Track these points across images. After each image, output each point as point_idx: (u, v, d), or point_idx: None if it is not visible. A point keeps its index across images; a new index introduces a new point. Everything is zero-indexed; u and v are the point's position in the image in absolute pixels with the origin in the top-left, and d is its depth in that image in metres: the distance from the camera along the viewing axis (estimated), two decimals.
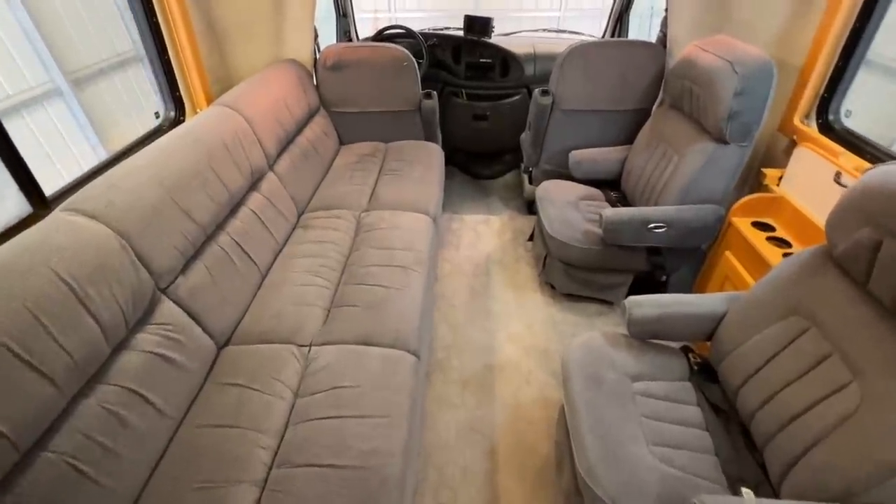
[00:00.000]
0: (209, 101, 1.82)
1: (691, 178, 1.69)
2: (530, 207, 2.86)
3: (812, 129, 1.67)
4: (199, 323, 1.19)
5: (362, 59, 2.21)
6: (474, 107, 3.10)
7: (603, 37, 3.22)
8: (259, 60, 2.12)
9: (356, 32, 3.27)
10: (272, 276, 1.50)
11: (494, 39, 3.00)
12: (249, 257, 1.43)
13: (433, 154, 2.34)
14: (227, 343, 1.28)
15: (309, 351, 1.24)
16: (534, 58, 3.00)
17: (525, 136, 2.49)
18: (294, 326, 1.30)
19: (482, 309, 2.11)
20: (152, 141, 1.32)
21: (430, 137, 2.48)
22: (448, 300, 2.15)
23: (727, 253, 1.69)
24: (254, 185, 1.59)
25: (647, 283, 2.06)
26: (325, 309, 1.38)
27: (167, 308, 1.10)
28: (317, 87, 2.35)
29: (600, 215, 1.78)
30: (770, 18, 1.78)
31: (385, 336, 1.26)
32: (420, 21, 7.93)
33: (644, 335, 1.30)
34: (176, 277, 1.16)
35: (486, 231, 2.67)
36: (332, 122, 2.37)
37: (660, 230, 1.73)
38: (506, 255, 2.47)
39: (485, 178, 3.31)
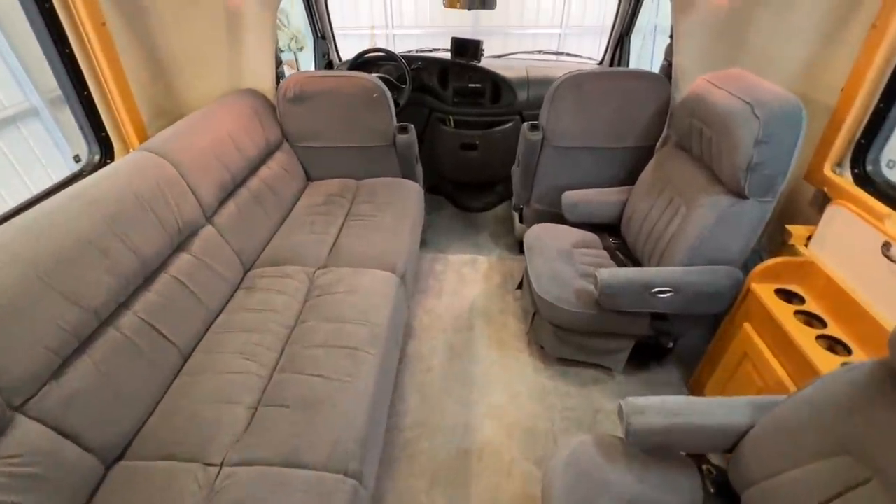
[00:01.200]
0: (144, 138, 1.59)
1: (702, 234, 1.43)
2: (522, 246, 2.61)
3: (846, 180, 1.41)
4: (76, 440, 0.93)
5: (328, 90, 1.96)
6: (462, 135, 2.87)
7: (602, 61, 2.99)
8: (214, 90, 1.89)
9: (337, 54, 3.06)
10: (196, 359, 1.24)
11: (485, 62, 2.78)
12: (165, 338, 1.18)
13: (410, 195, 2.09)
14: (121, 456, 1.02)
15: (218, 474, 0.97)
16: (527, 82, 2.77)
17: (515, 171, 2.25)
18: (206, 436, 1.04)
19: (461, 374, 1.84)
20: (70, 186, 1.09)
21: (407, 174, 2.23)
22: (424, 361, 1.89)
23: (747, 326, 1.42)
24: (182, 244, 1.35)
25: (651, 348, 1.79)
26: (250, 408, 1.12)
27: (21, 432, 0.84)
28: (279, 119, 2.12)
29: (594, 276, 1.52)
30: (794, 48, 1.53)
31: (317, 453, 0.99)
32: (416, 39, 7.80)
33: (647, 447, 1.03)
34: (42, 387, 0.90)
35: (471, 274, 2.41)
36: (298, 158, 2.12)
37: (665, 295, 1.46)
38: (492, 304, 2.20)
39: (474, 211, 3.06)
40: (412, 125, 2.12)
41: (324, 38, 2.81)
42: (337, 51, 3.02)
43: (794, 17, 1.50)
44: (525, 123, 2.01)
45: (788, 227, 1.47)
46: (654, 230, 1.66)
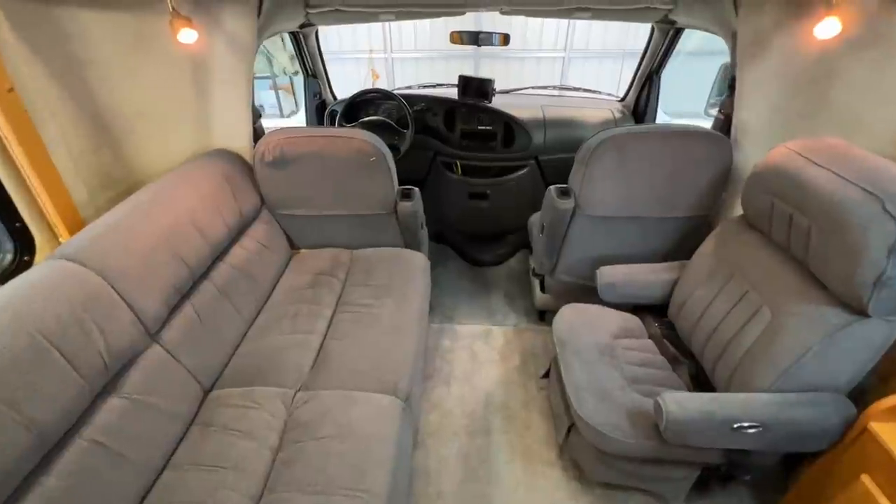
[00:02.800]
0: (76, 223, 1.25)
1: (800, 357, 1.08)
2: (542, 314, 2.26)
3: None
4: None
5: (315, 152, 1.62)
6: (471, 183, 2.54)
7: (624, 98, 2.69)
8: (176, 152, 1.57)
9: (332, 93, 2.75)
10: None
11: (496, 101, 2.47)
12: None
13: (414, 272, 1.74)
14: None
15: None
16: (543, 124, 2.46)
17: (537, 238, 1.91)
18: None
19: (477, 498, 1.48)
20: None
21: (411, 244, 1.89)
22: (432, 482, 1.52)
23: (865, 479, 1.07)
24: (109, 385, 1.00)
25: (718, 474, 1.43)
26: None
27: None
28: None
29: (657, 403, 1.17)
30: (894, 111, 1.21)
31: None
32: (416, 63, 7.55)
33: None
34: None
35: (485, 352, 2.05)
36: (280, 226, 1.78)
37: (751, 430, 1.12)
38: (512, 395, 1.85)
39: (485, 265, 2.72)
40: (417, 190, 1.77)
41: (314, 76, 2.50)
42: (331, 89, 2.71)
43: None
44: (552, 188, 1.68)
45: None
46: (721, 329, 1.32)
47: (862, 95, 1.27)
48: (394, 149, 2.37)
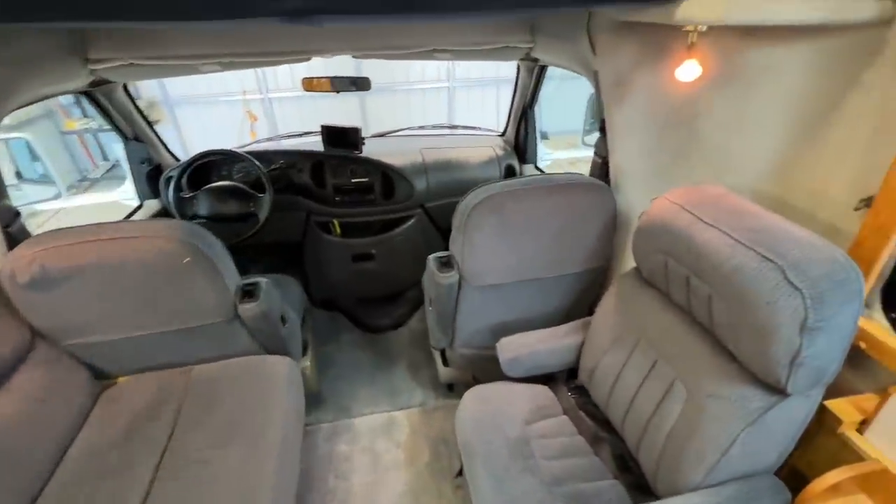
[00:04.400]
0: None
1: (727, 447, 0.92)
2: (451, 385, 1.99)
3: (883, 328, 1.02)
4: None
5: (97, 263, 1.14)
6: (353, 245, 2.23)
7: (504, 132, 2.59)
8: None
9: (169, 154, 2.27)
10: None
11: (370, 148, 2.21)
12: None
13: (275, 386, 1.32)
14: None
15: None
16: (424, 169, 2.25)
17: (428, 312, 1.64)
18: None
19: None
20: None
21: (271, 348, 1.47)
22: None
23: None
24: None
25: None
26: None
27: None
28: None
29: None
30: (760, 142, 1.15)
31: None
32: (297, 102, 7.10)
33: None
34: None
35: (390, 451, 1.72)
36: (77, 358, 1.29)
37: None
38: (424, 502, 1.53)
39: (383, 331, 2.40)
40: (266, 284, 1.35)
41: (137, 139, 2.02)
42: (167, 148, 2.24)
43: (757, 106, 1.13)
44: (431, 260, 1.43)
45: (830, 405, 1.03)
46: (638, 405, 1.15)
47: (728, 132, 1.21)
48: (251, 217, 1.99)
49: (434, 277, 1.38)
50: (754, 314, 0.84)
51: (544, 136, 7.16)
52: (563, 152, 5.69)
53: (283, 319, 1.46)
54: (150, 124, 2.07)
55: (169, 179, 2.00)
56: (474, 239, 1.32)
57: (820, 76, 1.01)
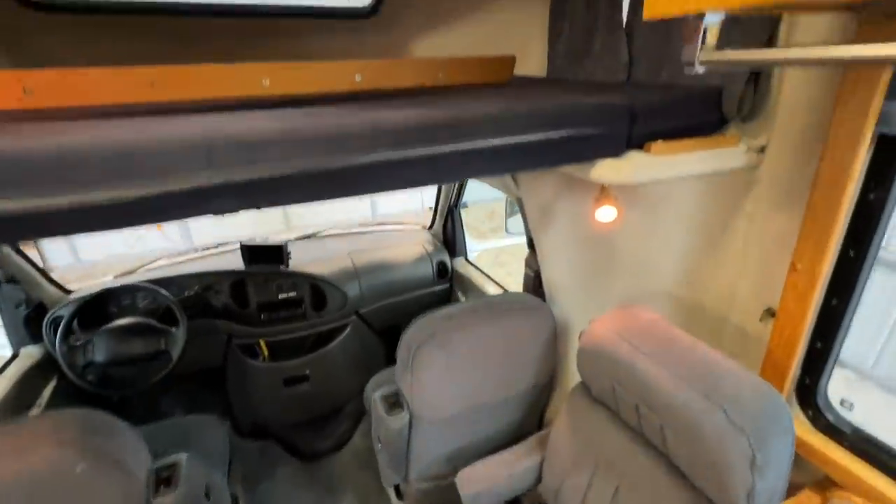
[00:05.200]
0: None
1: None
2: None
3: (804, 426, 1.12)
4: None
5: None
6: (283, 369, 2.05)
7: (432, 226, 2.65)
8: None
9: (53, 283, 1.97)
10: None
11: (295, 257, 2.10)
12: None
13: None
14: None
15: None
16: (355, 274, 2.19)
17: (377, 450, 1.51)
18: None
19: None
20: None
21: None
22: None
23: None
24: None
25: None
26: None
27: None
28: None
29: None
30: (669, 252, 1.28)
31: None
32: None
33: None
34: None
35: None
36: None
37: None
38: None
39: (323, 455, 2.17)
40: (186, 463, 1.10)
41: (13, 280, 1.73)
42: (51, 280, 1.94)
43: (663, 224, 1.26)
44: (377, 400, 1.34)
45: None
46: None
47: (642, 245, 1.32)
48: (163, 356, 1.76)
49: (384, 421, 1.29)
50: (707, 450, 0.86)
51: (463, 205, 7.50)
52: (491, 242, 6.06)
53: (208, 494, 1.24)
54: (26, 258, 1.79)
55: (56, 322, 1.72)
56: (423, 378, 1.26)
57: (710, 202, 1.16)
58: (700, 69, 0.61)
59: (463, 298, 2.28)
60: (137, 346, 1.71)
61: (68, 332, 1.68)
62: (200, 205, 0.65)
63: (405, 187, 0.76)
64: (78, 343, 1.66)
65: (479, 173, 0.82)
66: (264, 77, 1.28)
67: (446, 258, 2.41)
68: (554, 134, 0.83)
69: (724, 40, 0.64)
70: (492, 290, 2.08)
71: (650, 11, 0.62)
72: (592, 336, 1.14)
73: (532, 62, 1.77)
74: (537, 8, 1.74)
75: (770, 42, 0.85)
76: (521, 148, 0.81)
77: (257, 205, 0.68)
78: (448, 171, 0.77)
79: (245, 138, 0.64)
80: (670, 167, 0.95)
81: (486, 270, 2.31)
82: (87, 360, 1.66)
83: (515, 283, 1.99)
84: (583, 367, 1.20)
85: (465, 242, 2.51)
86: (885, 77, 0.74)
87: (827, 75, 0.83)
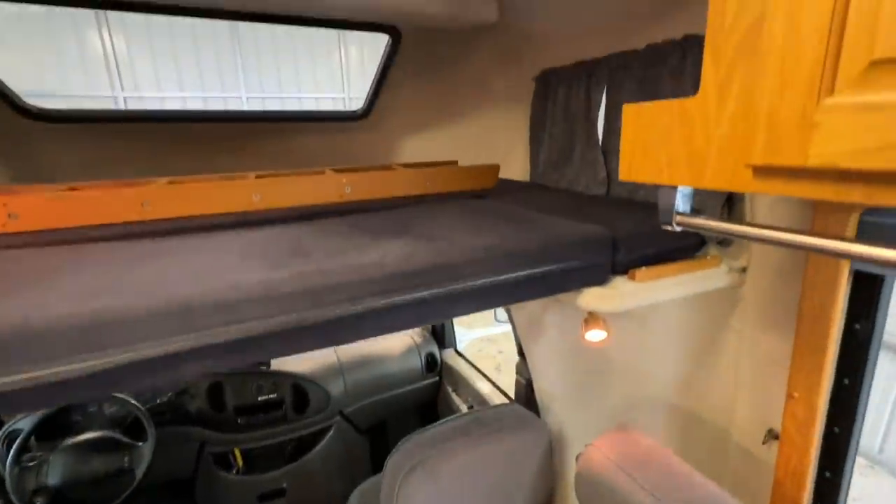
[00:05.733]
0: None
1: None
2: None
3: None
4: None
5: None
6: (259, 483, 1.89)
7: None
8: None
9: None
10: None
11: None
12: None
13: None
14: None
15: None
16: (340, 370, 2.10)
17: None
18: None
19: None
20: None
21: None
22: None
23: None
24: None
25: None
26: None
27: None
28: None
29: None
30: (679, 365, 1.25)
31: None
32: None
33: None
34: None
35: None
36: None
37: None
38: None
39: None
40: None
41: None
42: None
43: (655, 335, 1.25)
44: None
45: None
46: None
47: (635, 355, 1.29)
48: (125, 475, 1.61)
49: None
50: None
51: None
52: (479, 331, 6.06)
53: None
54: None
55: (12, 436, 1.58)
56: None
57: (697, 317, 1.15)
58: (677, 228, 0.63)
59: (453, 394, 2.18)
60: (98, 465, 1.57)
61: (23, 449, 1.54)
62: (177, 368, 0.61)
63: (391, 332, 0.74)
64: (31, 463, 1.52)
65: (465, 312, 0.81)
66: (255, 193, 1.31)
67: (435, 350, 2.35)
68: (539, 270, 0.83)
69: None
70: (483, 386, 2.01)
71: (626, 175, 0.65)
72: (589, 463, 1.07)
73: (516, 166, 1.86)
74: (519, 115, 1.86)
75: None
76: (507, 285, 0.81)
77: (236, 363, 0.65)
78: (433, 314, 0.76)
79: (224, 299, 0.62)
80: (655, 292, 0.95)
81: (475, 352, 2.25)
82: (38, 483, 1.51)
83: (507, 363, 1.92)
84: (580, 495, 1.11)
85: (454, 333, 2.46)
86: (854, 220, 0.77)
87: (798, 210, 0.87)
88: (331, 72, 9.21)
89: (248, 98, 8.61)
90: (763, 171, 0.46)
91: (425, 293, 0.73)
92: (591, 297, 0.90)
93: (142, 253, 0.83)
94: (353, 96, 9.39)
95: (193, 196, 1.21)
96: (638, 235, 0.94)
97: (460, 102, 2.12)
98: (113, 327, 0.57)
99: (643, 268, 0.92)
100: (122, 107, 7.65)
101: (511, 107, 1.93)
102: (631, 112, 0.61)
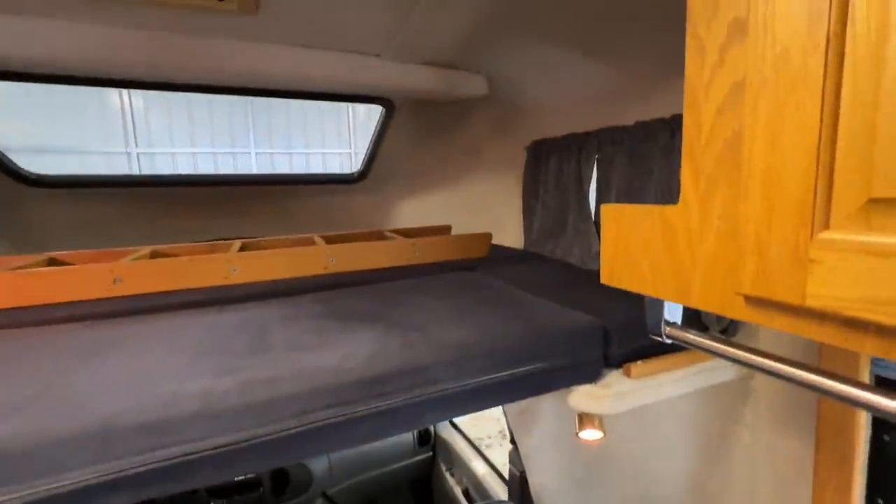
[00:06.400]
0: None
1: None
2: None
3: None
4: None
5: None
6: None
7: None
8: None
9: None
10: None
11: None
12: None
13: None
14: None
15: None
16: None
17: None
18: None
19: None
20: None
21: None
22: None
23: None
24: None
25: None
26: None
27: None
28: None
29: None
30: (692, 463, 1.13)
31: None
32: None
33: None
34: None
35: None
36: None
37: None
38: None
39: None
40: None
41: None
42: None
43: (664, 431, 1.14)
44: None
45: None
46: None
47: (639, 446, 1.18)
48: None
49: None
50: None
51: None
52: None
53: None
54: None
55: None
56: None
57: (705, 410, 1.05)
58: (667, 341, 0.56)
59: (446, 473, 2.02)
60: None
61: None
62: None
63: (345, 448, 0.66)
64: None
65: (435, 420, 0.73)
66: (234, 266, 1.26)
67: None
68: (522, 370, 0.75)
69: None
70: (479, 467, 1.86)
71: (607, 279, 0.59)
72: None
73: (510, 232, 1.82)
74: (511, 182, 1.85)
75: None
76: (485, 388, 0.72)
77: (163, 493, 0.57)
78: (397, 425, 0.67)
79: (153, 419, 0.55)
80: (654, 390, 0.86)
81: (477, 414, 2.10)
82: None
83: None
84: None
85: None
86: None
87: None
88: (338, 128, 9.58)
89: (256, 154, 8.90)
90: (757, 302, 0.40)
91: (388, 402, 0.65)
92: (583, 397, 0.81)
93: (88, 346, 0.77)
94: (358, 151, 9.70)
95: (168, 271, 1.17)
96: (632, 324, 0.87)
97: (454, 168, 2.13)
98: (18, 457, 0.50)
99: (639, 361, 0.84)
100: (134, 163, 7.92)
101: (504, 173, 1.92)
102: (611, 213, 0.56)
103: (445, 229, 1.73)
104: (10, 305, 1.01)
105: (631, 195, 1.20)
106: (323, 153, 9.45)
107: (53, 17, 1.13)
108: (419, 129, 2.09)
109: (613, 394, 0.81)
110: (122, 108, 7.77)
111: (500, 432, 5.02)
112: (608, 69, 1.25)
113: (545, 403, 1.23)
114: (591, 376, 0.82)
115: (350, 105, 9.28)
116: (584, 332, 0.81)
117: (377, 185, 2.33)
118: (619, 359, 0.84)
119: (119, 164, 7.80)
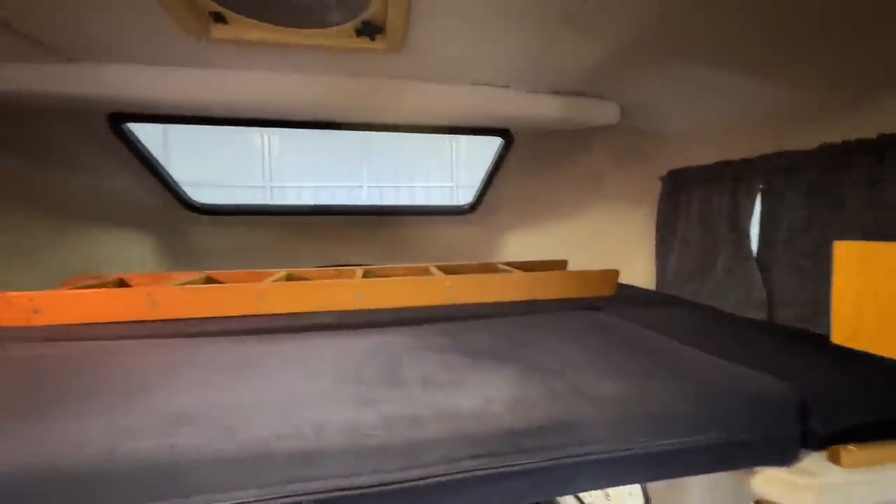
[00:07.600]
0: None
1: None
2: None
3: None
4: None
5: None
6: None
7: None
8: None
9: None
10: None
11: None
12: None
13: None
14: None
15: None
16: None
17: None
18: None
19: None
20: None
21: None
22: None
23: None
24: None
25: None
26: None
27: None
28: None
29: None
30: None
31: None
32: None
33: None
34: None
35: None
36: None
37: None
38: None
39: None
40: None
41: None
42: None
43: None
44: None
45: None
46: None
47: None
48: None
49: None
50: None
51: None
52: None
53: None
54: None
55: None
56: None
57: None
58: None
59: None
60: None
61: None
62: None
63: None
64: None
65: (588, 487, 0.62)
66: (359, 293, 1.30)
67: None
68: (694, 439, 0.62)
69: None
70: None
71: (844, 338, 0.45)
72: None
73: (634, 271, 1.64)
74: (635, 216, 1.68)
75: None
76: (650, 457, 0.60)
77: None
78: (547, 487, 0.58)
79: (307, 450, 0.53)
80: (877, 486, 0.65)
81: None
82: None
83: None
84: None
85: None
86: None
87: None
88: (441, 163, 10.00)
89: (367, 187, 9.64)
90: None
91: (538, 461, 0.57)
92: (772, 484, 0.64)
93: (240, 362, 0.81)
94: (460, 185, 9.97)
95: (302, 294, 1.24)
96: (841, 395, 0.68)
97: (569, 200, 2.03)
98: (184, 471, 0.51)
99: (852, 445, 0.65)
100: (268, 195, 9.08)
101: (628, 205, 1.76)
102: (853, 253, 0.43)
103: (561, 264, 1.62)
104: (174, 317, 1.13)
105: (810, 233, 1.00)
106: (426, 187, 9.90)
107: (232, 69, 1.31)
108: (532, 160, 2.03)
109: (819, 485, 0.62)
110: (263, 148, 9.03)
111: (605, 493, 4.50)
112: (776, 88, 1.08)
113: (694, 479, 1.03)
114: (784, 458, 0.65)
115: (455, 139, 9.64)
116: (775, 401, 0.65)
117: (487, 218, 2.31)
118: (823, 439, 0.65)
119: (256, 196, 9.00)
